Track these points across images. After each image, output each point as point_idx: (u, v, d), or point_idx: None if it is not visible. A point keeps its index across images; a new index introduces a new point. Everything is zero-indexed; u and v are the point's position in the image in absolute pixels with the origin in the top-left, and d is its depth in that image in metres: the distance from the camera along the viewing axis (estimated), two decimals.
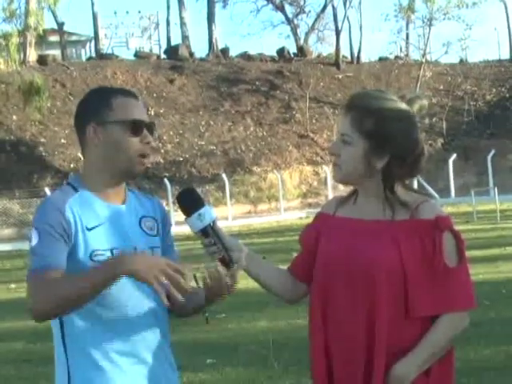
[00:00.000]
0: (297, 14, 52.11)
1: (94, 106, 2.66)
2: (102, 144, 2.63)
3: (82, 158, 2.74)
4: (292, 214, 32.35)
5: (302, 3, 52.23)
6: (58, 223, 2.53)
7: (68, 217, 2.55)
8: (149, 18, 51.55)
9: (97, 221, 2.60)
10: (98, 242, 2.58)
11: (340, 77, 45.15)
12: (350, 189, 2.79)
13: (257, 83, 43.49)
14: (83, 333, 2.57)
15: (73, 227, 2.56)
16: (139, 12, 51.85)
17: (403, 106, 2.66)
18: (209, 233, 2.64)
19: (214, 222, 2.65)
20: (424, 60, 44.80)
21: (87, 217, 2.59)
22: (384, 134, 2.60)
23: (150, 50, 49.34)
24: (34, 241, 2.52)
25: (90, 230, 2.58)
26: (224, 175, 33.86)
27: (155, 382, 2.66)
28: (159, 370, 2.68)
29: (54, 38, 44.57)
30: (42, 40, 40.17)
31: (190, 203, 2.66)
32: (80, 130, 2.69)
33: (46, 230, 2.52)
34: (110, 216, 2.64)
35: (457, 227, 2.68)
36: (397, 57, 48.82)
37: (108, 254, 2.58)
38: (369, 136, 2.60)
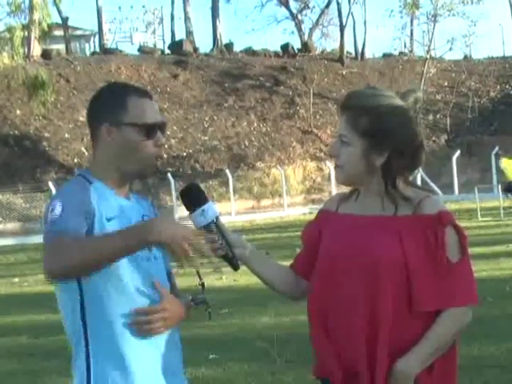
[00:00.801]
0: (301, 10, 52.08)
1: (109, 106, 2.64)
2: (115, 144, 2.63)
3: (86, 154, 2.73)
4: (295, 209, 32.33)
5: None
6: (83, 203, 2.51)
7: (93, 204, 2.54)
8: (153, 13, 51.57)
9: (112, 212, 2.60)
10: None
11: (344, 73, 45.12)
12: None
13: (261, 79, 43.47)
14: (106, 324, 2.57)
15: (95, 215, 2.54)
16: (143, 7, 51.93)
17: (397, 100, 2.66)
18: (212, 229, 2.64)
19: (217, 218, 2.65)
20: (428, 56, 44.74)
21: (105, 207, 2.58)
22: (380, 130, 2.60)
23: (154, 45, 49.34)
24: (58, 210, 2.46)
25: (109, 220, 2.57)
26: (227, 171, 33.86)
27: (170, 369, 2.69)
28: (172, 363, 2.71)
29: (58, 33, 44.53)
30: (46, 34, 40.14)
31: (193, 199, 2.66)
32: (93, 127, 2.68)
33: (73, 204, 2.49)
34: (122, 210, 2.64)
35: (460, 224, 2.68)
36: (401, 53, 48.80)
37: None
38: (366, 134, 2.61)
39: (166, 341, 2.66)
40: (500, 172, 25.72)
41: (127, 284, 2.58)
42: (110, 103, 2.65)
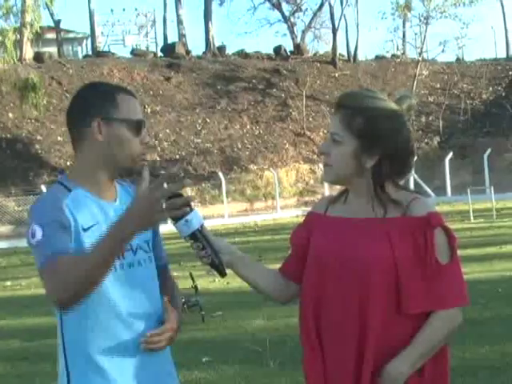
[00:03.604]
0: (293, 12, 52.15)
1: (98, 102, 2.62)
2: (104, 141, 2.60)
3: (76, 154, 2.69)
4: (288, 212, 32.34)
5: (298, 1, 52.28)
6: (60, 220, 2.49)
7: (68, 217, 2.52)
8: (145, 16, 51.53)
9: (92, 220, 2.58)
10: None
11: (337, 75, 45.17)
12: (343, 187, 2.79)
13: (253, 81, 43.49)
14: (82, 333, 2.56)
15: (72, 227, 2.52)
16: (136, 9, 51.91)
17: (392, 104, 2.66)
18: (197, 237, 2.63)
19: (202, 226, 2.64)
20: (421, 58, 44.85)
21: (83, 217, 2.56)
22: (374, 132, 2.59)
23: (147, 48, 49.33)
24: (39, 234, 2.46)
25: (86, 230, 2.55)
26: (220, 173, 33.86)
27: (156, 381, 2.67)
28: (159, 372, 2.70)
29: (50, 36, 44.52)
30: (38, 37, 40.09)
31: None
32: (79, 126, 2.63)
33: (49, 224, 2.47)
34: (104, 214, 2.61)
35: (453, 226, 2.68)
36: (393, 55, 48.86)
37: None
38: (359, 135, 2.60)
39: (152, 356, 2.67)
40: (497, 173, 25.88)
41: (111, 294, 2.57)
42: (99, 99, 2.62)
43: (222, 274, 2.71)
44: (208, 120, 40.31)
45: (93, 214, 2.59)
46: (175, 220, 2.58)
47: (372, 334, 2.55)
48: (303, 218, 2.87)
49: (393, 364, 2.55)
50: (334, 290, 2.61)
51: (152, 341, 2.59)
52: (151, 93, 40.57)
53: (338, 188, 2.83)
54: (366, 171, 2.63)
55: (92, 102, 2.63)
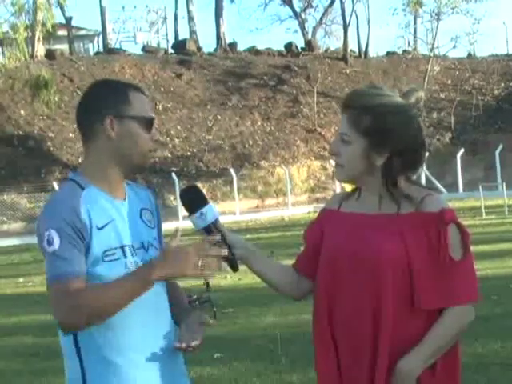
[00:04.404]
0: (304, 9, 52.06)
1: (111, 99, 2.62)
2: (117, 138, 2.61)
3: (86, 151, 2.69)
4: (300, 208, 32.32)
5: None
6: (75, 224, 2.49)
7: (83, 217, 2.52)
8: (156, 13, 51.61)
9: (106, 219, 2.57)
10: (109, 241, 2.56)
11: (348, 71, 45.09)
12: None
13: (264, 78, 43.45)
14: (98, 333, 2.55)
15: (88, 228, 2.52)
16: (147, 6, 51.97)
17: (399, 100, 2.66)
18: (212, 231, 2.64)
19: (216, 219, 2.65)
20: (432, 54, 44.71)
21: (97, 215, 2.55)
22: (382, 129, 2.60)
23: (158, 45, 49.36)
24: (56, 243, 2.46)
25: (100, 229, 2.55)
26: (232, 170, 33.86)
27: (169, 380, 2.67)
28: (174, 373, 2.71)
29: (61, 33, 44.59)
30: (49, 35, 40.17)
31: (192, 201, 2.67)
32: (91, 122, 2.63)
33: (65, 231, 2.47)
34: (117, 212, 2.62)
35: (465, 222, 2.68)
36: (405, 51, 48.72)
37: (119, 251, 2.56)
38: (367, 133, 2.61)
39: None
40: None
41: None
42: (111, 96, 2.63)
43: (235, 269, 2.72)
44: (219, 117, 40.31)
45: (107, 213, 2.59)
46: (190, 212, 2.60)
47: (385, 330, 2.55)
48: (316, 215, 2.87)
49: (405, 360, 2.55)
50: (348, 287, 2.62)
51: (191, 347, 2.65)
52: (162, 90, 40.60)
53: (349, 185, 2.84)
54: (377, 169, 2.64)
55: (104, 99, 2.63)
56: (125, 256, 2.57)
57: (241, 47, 48.17)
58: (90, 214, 2.53)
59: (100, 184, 2.62)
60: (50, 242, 2.47)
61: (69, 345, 2.59)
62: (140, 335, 2.59)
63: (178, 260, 2.42)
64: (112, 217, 2.60)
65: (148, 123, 2.65)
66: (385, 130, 2.60)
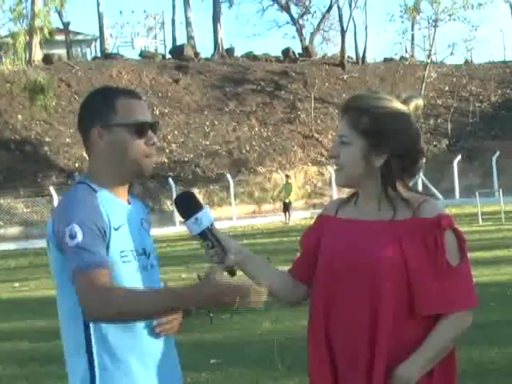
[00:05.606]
0: (302, 15, 52.22)
1: (98, 109, 2.65)
2: (107, 147, 2.63)
3: (88, 158, 2.73)
4: (296, 214, 32.31)
5: (307, 3, 52.36)
6: (97, 222, 2.51)
7: (103, 216, 2.54)
8: (154, 18, 51.72)
9: (120, 221, 2.60)
10: (124, 243, 2.58)
11: (345, 77, 45.17)
12: (352, 190, 2.80)
13: (262, 83, 43.51)
14: (108, 332, 2.56)
15: (108, 227, 2.54)
16: (145, 12, 52.11)
17: (398, 104, 2.68)
18: (207, 236, 2.64)
19: (211, 225, 2.65)
20: (429, 61, 44.80)
21: (113, 216, 2.58)
22: (381, 131, 2.61)
23: (156, 50, 49.44)
24: (80, 236, 2.44)
25: (116, 229, 2.57)
26: (228, 175, 33.89)
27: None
28: (174, 373, 2.73)
29: (59, 38, 44.62)
30: (48, 40, 40.20)
31: (187, 207, 2.67)
32: (84, 132, 2.68)
33: (87, 226, 2.47)
34: (127, 216, 2.65)
35: (461, 229, 2.68)
36: (402, 57, 48.86)
37: (131, 254, 2.58)
38: (366, 134, 2.62)
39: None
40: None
41: None
42: (99, 106, 2.66)
43: (232, 274, 2.71)
44: (216, 122, 40.34)
45: (120, 215, 2.62)
46: (185, 218, 2.59)
47: (383, 337, 2.55)
48: (313, 221, 2.87)
49: (403, 367, 2.55)
50: (345, 293, 2.62)
51: (160, 321, 2.62)
52: (160, 95, 40.63)
53: (346, 190, 2.84)
54: (376, 171, 2.64)
55: (92, 111, 2.67)
56: (134, 259, 2.61)
57: (238, 53, 48.32)
58: (108, 214, 2.56)
59: (108, 188, 2.65)
60: (72, 236, 2.46)
61: (79, 340, 2.57)
62: (149, 338, 2.62)
63: (216, 297, 2.40)
64: (125, 219, 2.63)
65: (139, 129, 2.64)
66: (384, 131, 2.61)
